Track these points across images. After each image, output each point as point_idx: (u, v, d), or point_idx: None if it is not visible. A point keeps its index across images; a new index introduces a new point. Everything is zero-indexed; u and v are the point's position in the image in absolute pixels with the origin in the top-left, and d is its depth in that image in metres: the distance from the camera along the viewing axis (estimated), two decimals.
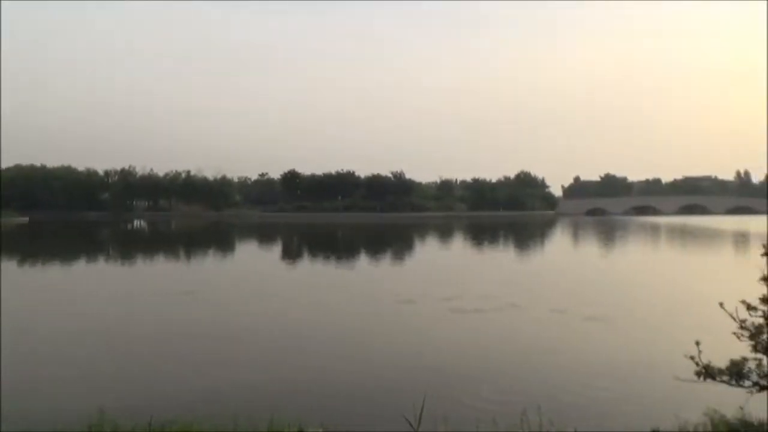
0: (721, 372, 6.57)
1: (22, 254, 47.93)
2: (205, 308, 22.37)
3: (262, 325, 19.42)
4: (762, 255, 6.40)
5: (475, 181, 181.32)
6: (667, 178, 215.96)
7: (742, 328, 6.56)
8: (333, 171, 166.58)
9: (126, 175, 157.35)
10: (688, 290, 27.29)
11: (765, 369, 6.49)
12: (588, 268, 39.67)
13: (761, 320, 6.46)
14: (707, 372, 6.58)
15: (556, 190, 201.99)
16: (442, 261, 45.89)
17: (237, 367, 14.02)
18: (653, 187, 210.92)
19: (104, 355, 15.22)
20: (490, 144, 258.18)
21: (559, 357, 15.00)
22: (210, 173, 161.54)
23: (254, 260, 47.18)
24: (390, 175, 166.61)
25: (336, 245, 65.57)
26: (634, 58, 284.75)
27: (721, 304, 6.55)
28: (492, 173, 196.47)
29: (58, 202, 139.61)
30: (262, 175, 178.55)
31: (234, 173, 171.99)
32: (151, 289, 27.24)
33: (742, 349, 6.60)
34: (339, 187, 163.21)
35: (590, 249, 58.25)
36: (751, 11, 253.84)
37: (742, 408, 6.64)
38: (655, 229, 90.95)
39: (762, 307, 6.43)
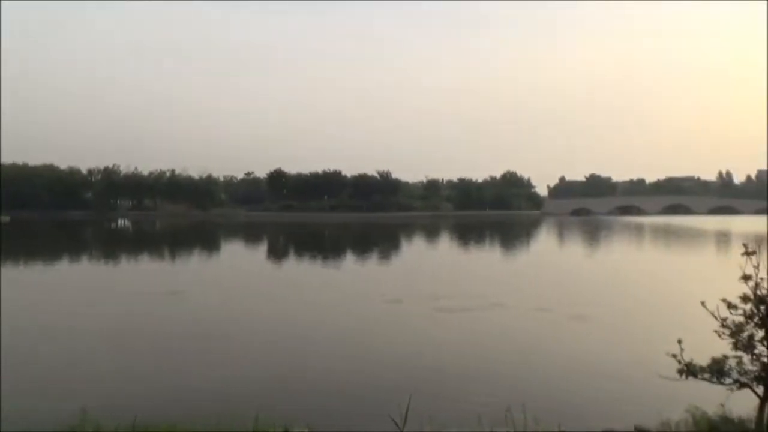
0: (702, 370, 6.66)
1: (2, 254, 47.20)
2: (190, 308, 22.20)
3: (247, 325, 19.31)
4: (742, 254, 6.50)
5: (462, 180, 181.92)
6: (650, 178, 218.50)
7: (723, 326, 6.67)
8: (319, 170, 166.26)
9: (110, 173, 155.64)
10: (671, 289, 27.60)
11: (745, 366, 6.59)
12: (573, 268, 39.96)
13: (741, 318, 6.57)
14: (689, 370, 6.67)
15: (542, 190, 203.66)
16: (429, 260, 45.97)
17: (222, 366, 13.92)
18: (637, 187, 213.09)
19: (86, 355, 15.05)
20: (478, 144, 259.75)
21: (544, 355, 15.10)
22: (195, 172, 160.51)
23: (240, 260, 46.90)
24: (376, 174, 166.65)
25: (322, 245, 65.40)
26: (633, 58, 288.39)
27: (702, 303, 6.65)
28: (478, 173, 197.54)
29: (41, 201, 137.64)
30: (248, 174, 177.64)
31: (219, 172, 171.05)
32: (133, 290, 26.95)
33: (724, 346, 6.70)
34: (325, 187, 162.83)
35: (575, 249, 58.70)
36: (751, 11, 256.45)
37: (723, 405, 6.74)
38: (639, 229, 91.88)
39: (742, 305, 6.53)
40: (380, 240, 70.36)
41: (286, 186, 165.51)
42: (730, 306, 6.58)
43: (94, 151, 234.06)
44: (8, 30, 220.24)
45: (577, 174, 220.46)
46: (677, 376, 6.74)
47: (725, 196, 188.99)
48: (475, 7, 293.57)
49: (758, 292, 6.44)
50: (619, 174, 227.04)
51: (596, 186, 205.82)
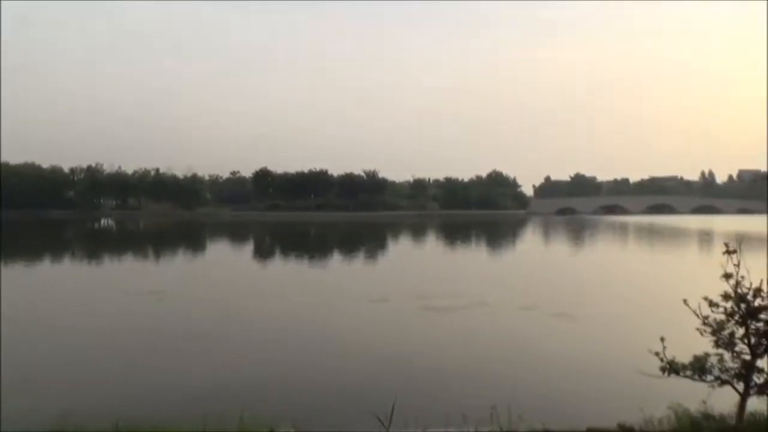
0: (684, 367, 6.74)
1: None
2: (173, 308, 22.01)
3: (231, 324, 19.18)
4: (723, 253, 6.58)
5: (448, 180, 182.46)
6: (634, 178, 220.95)
7: (704, 324, 6.74)
8: (306, 170, 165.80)
9: (93, 172, 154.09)
10: (655, 287, 27.89)
11: (726, 364, 6.68)
12: (558, 267, 40.24)
13: (723, 316, 6.65)
14: (671, 367, 6.74)
15: (528, 190, 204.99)
16: (415, 260, 46.03)
17: (206, 366, 13.83)
18: (621, 186, 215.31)
19: (67, 356, 14.86)
20: (466, 144, 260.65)
21: (529, 354, 15.20)
22: (180, 171, 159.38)
23: (225, 260, 46.61)
24: (363, 174, 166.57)
25: (308, 244, 65.22)
26: (623, 59, 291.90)
27: (684, 301, 6.72)
28: (465, 173, 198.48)
29: (22, 201, 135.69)
30: (234, 173, 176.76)
31: (205, 171, 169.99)
32: (115, 289, 26.67)
33: (705, 344, 6.78)
34: (312, 186, 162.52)
35: (561, 248, 59.12)
36: (751, 11, 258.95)
37: (704, 402, 6.82)
38: (623, 229, 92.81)
39: (723, 303, 6.61)
40: (367, 239, 70.33)
41: (272, 185, 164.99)
42: (712, 304, 6.65)
43: (77, 150, 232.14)
44: None
45: (563, 174, 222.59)
46: (660, 373, 6.81)
47: (707, 195, 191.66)
48: (476, 7, 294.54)
49: (739, 291, 6.52)
50: (604, 174, 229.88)
51: (581, 186, 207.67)
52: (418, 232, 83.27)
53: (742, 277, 6.51)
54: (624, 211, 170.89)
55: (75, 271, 36.98)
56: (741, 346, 6.62)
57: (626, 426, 6.78)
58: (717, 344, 6.69)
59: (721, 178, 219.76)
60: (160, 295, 24.65)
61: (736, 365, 6.64)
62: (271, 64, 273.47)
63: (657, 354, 6.79)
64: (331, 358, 14.83)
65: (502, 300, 23.39)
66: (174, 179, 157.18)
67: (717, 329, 6.67)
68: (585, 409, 10.37)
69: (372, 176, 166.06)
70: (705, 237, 70.01)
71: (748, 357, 6.59)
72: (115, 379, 12.71)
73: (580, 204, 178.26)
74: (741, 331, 6.59)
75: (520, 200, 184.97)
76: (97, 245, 60.50)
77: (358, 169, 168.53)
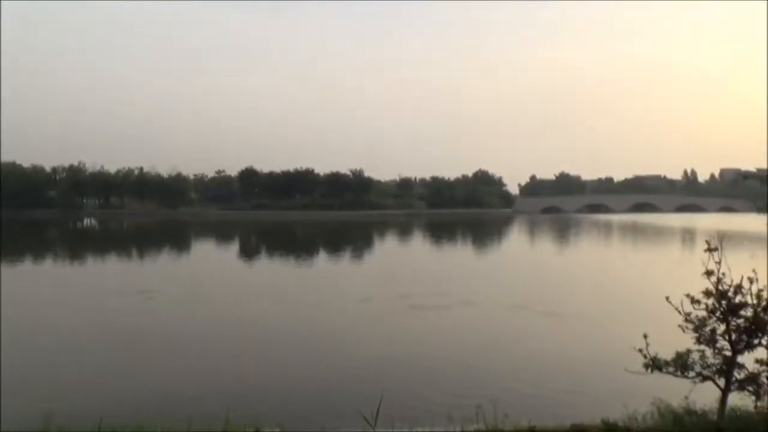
0: (667, 364, 6.82)
1: None
2: (157, 308, 21.83)
3: (216, 325, 19.06)
4: (705, 251, 6.67)
5: (434, 179, 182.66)
6: (618, 176, 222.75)
7: (687, 320, 6.83)
8: (291, 169, 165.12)
9: (75, 171, 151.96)
10: (639, 285, 28.19)
11: (708, 360, 6.77)
12: (544, 266, 40.52)
13: (704, 313, 6.73)
14: (654, 364, 6.82)
15: (513, 189, 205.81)
16: (402, 259, 46.05)
17: (191, 366, 13.73)
18: (605, 185, 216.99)
19: (50, 356, 14.67)
20: (451, 142, 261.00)
21: (515, 352, 15.29)
22: (164, 170, 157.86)
23: (210, 260, 46.31)
24: (349, 173, 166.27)
25: (295, 243, 64.99)
26: (609, 58, 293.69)
27: (667, 298, 6.80)
28: (450, 172, 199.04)
29: (3, 200, 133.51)
30: (219, 172, 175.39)
31: (190, 170, 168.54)
32: (98, 289, 26.40)
33: (688, 340, 6.87)
34: (297, 185, 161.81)
35: (547, 246, 59.53)
36: (751, 11, 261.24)
37: (686, 397, 6.89)
38: (607, 227, 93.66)
39: (705, 300, 6.70)
40: (353, 238, 70.25)
41: (258, 184, 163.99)
42: (694, 301, 6.74)
43: (59, 149, 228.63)
44: None
45: (548, 173, 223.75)
46: (643, 370, 6.88)
47: (690, 194, 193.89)
48: (476, 7, 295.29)
49: (720, 288, 6.61)
50: (589, 173, 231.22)
51: (566, 184, 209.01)
52: (404, 231, 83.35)
53: (723, 274, 6.60)
54: (608, 210, 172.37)
55: (57, 271, 36.51)
56: (722, 343, 6.72)
57: (610, 422, 6.84)
58: (699, 341, 6.78)
59: (703, 176, 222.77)
60: (144, 296, 24.41)
61: (717, 361, 6.73)
62: (255, 64, 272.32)
63: (640, 351, 6.86)
64: (318, 357, 14.80)
65: (488, 299, 23.50)
66: (158, 178, 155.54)
67: (699, 326, 6.76)
68: (571, 406, 10.45)
69: (358, 175, 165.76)
70: (687, 235, 70.89)
71: (729, 353, 6.69)
72: (99, 380, 12.58)
73: (565, 203, 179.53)
74: (722, 328, 6.68)
75: (506, 199, 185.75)
76: (79, 245, 59.77)
77: (344, 168, 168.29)
